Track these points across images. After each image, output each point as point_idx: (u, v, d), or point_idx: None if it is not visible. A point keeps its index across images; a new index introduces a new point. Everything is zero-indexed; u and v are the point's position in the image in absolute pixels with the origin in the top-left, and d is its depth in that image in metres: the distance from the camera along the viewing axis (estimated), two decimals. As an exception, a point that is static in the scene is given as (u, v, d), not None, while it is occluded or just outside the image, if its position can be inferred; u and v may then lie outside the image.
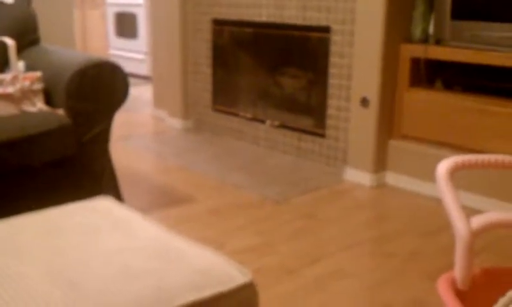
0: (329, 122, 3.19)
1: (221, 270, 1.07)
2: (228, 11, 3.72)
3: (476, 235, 1.26)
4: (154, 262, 1.06)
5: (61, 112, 2.18)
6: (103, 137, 2.30)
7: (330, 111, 3.18)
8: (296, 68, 3.52)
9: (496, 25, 2.60)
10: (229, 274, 1.07)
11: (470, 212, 2.53)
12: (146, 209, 2.62)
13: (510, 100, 2.61)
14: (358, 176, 3.03)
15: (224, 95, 3.95)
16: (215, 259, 1.11)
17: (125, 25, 6.59)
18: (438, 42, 2.80)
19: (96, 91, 2.20)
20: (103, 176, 2.30)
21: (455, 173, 1.30)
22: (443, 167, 1.29)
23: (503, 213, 1.33)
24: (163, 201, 2.74)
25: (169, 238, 1.20)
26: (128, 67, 6.48)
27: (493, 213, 1.31)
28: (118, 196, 2.36)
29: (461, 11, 2.71)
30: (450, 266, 1.32)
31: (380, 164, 3.00)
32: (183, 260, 1.08)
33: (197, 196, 2.82)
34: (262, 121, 3.66)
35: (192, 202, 2.73)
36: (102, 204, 1.39)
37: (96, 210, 1.34)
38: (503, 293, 1.21)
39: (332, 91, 3.15)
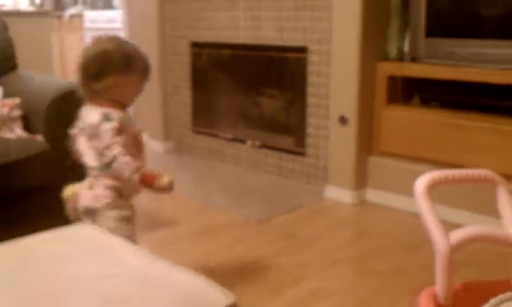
0: (309, 141, 3.21)
1: (204, 294, 1.07)
2: (206, 34, 3.74)
3: (455, 250, 1.27)
4: (136, 289, 1.06)
5: (40, 138, 2.17)
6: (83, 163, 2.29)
7: (310, 130, 3.20)
8: (275, 88, 3.54)
9: (470, 42, 2.65)
10: (212, 298, 1.07)
11: (448, 226, 2.55)
12: (127, 233, 2.60)
13: (486, 114, 2.65)
14: (339, 194, 3.05)
15: (205, 116, 3.96)
16: (198, 283, 1.11)
17: (104, 49, 6.57)
18: (414, 59, 2.84)
19: (75, 117, 2.19)
20: (83, 201, 2.28)
21: (433, 189, 1.32)
22: (421, 183, 1.31)
23: (481, 227, 1.35)
24: (145, 225, 2.73)
25: (151, 263, 1.19)
26: (107, 91, 6.46)
27: (472, 227, 1.33)
28: (99, 221, 2.34)
29: (435, 29, 2.76)
30: (432, 281, 1.33)
31: (360, 181, 3.02)
32: (165, 286, 1.08)
33: (179, 218, 2.81)
34: (243, 142, 3.67)
35: (175, 224, 2.72)
36: (83, 231, 1.39)
37: (76, 237, 1.33)
38: (483, 307, 1.22)
39: (311, 110, 3.17)
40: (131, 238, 1.76)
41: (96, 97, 1.81)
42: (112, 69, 1.79)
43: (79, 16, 6.85)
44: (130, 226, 1.88)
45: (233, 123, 3.81)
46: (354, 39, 2.86)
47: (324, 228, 2.68)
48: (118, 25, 6.19)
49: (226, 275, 2.20)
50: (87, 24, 6.76)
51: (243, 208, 2.94)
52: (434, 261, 1.30)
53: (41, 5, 7.09)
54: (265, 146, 3.54)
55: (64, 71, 6.92)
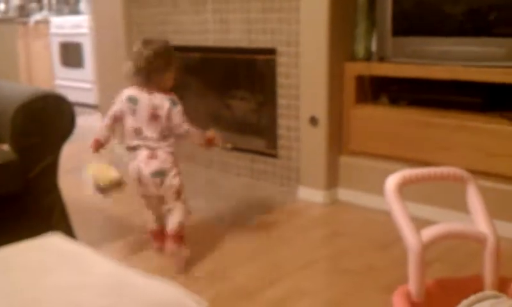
0: (281, 142, 3.22)
1: (176, 302, 1.06)
2: (174, 38, 3.71)
3: (427, 247, 1.28)
4: (107, 298, 1.04)
5: (6, 147, 2.13)
6: (51, 171, 2.25)
7: (281, 131, 3.20)
8: (245, 91, 3.54)
9: (436, 40, 2.68)
10: (184, 305, 1.05)
11: (420, 222, 2.58)
12: (99, 242, 2.57)
13: (452, 111, 2.69)
14: (312, 194, 3.06)
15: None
16: (170, 290, 1.10)
17: (71, 54, 6.50)
18: (381, 59, 2.87)
19: (41, 125, 2.15)
20: (53, 211, 2.25)
21: (403, 187, 1.33)
22: (391, 182, 1.32)
23: (452, 224, 1.37)
24: (117, 233, 2.70)
25: (122, 272, 1.17)
26: (75, 97, 6.37)
27: (442, 224, 1.34)
28: (69, 231, 2.30)
29: (402, 28, 2.79)
30: (405, 278, 1.34)
31: (332, 180, 3.03)
32: (137, 294, 1.06)
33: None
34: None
35: (146, 231, 2.69)
36: (52, 242, 1.36)
37: (45, 248, 1.31)
38: (457, 303, 1.23)
39: (281, 111, 3.17)
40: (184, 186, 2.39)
41: (154, 85, 2.32)
42: (174, 62, 2.37)
43: (45, 22, 6.75)
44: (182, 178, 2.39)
45: (205, 126, 3.78)
46: (322, 40, 2.87)
47: (297, 229, 2.69)
48: (85, 30, 6.13)
49: (199, 280, 2.18)
50: (53, 30, 6.67)
51: (216, 211, 2.93)
52: (406, 259, 1.31)
53: (6, 12, 6.98)
54: (237, 148, 3.53)
55: (30, 77, 6.82)
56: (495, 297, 1.18)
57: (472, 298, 1.18)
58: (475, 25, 2.58)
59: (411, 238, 1.28)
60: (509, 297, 1.31)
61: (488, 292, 1.20)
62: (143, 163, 2.33)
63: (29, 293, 1.08)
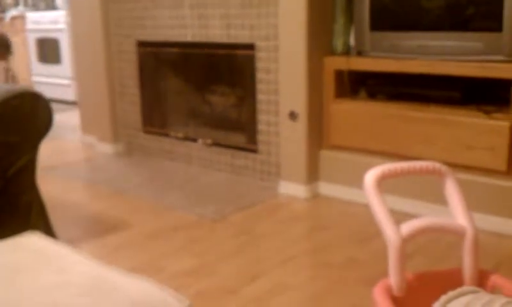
0: (261, 137, 3.22)
1: (156, 300, 1.05)
2: (153, 33, 3.70)
3: (407, 241, 1.29)
4: (86, 298, 1.03)
5: (-18, 146, 2.10)
6: (29, 169, 2.22)
7: (261, 127, 3.20)
8: (225, 86, 3.53)
9: (413, 34, 2.70)
10: (165, 303, 1.05)
11: (400, 216, 2.60)
12: (79, 240, 2.55)
13: (431, 105, 2.71)
14: (292, 189, 3.06)
15: (154, 116, 3.91)
16: (150, 288, 1.09)
17: (48, 50, 6.43)
18: (360, 53, 2.88)
19: (18, 122, 2.12)
20: (31, 210, 2.22)
21: (382, 182, 1.33)
22: (370, 177, 1.33)
23: (431, 219, 1.38)
24: (97, 230, 2.68)
25: (101, 270, 1.16)
26: (53, 93, 6.32)
27: (422, 219, 1.35)
28: (48, 229, 2.28)
29: (379, 23, 2.80)
30: (386, 271, 1.34)
31: (312, 175, 3.04)
32: (116, 293, 1.05)
33: (132, 221, 2.77)
34: (194, 140, 3.64)
35: (127, 228, 2.68)
36: (30, 241, 1.34)
37: (23, 247, 1.29)
38: (437, 296, 1.24)
39: (261, 106, 3.17)
40: None
41: None
42: None
43: (21, 17, 6.67)
44: None
45: (184, 122, 3.78)
46: (300, 34, 2.87)
47: (279, 224, 2.69)
48: (62, 26, 6.07)
49: (181, 277, 2.18)
50: (29, 26, 6.59)
51: (197, 207, 2.92)
52: (386, 252, 1.32)
53: (-19, 7, 6.88)
54: (216, 144, 3.52)
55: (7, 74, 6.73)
56: (473, 292, 1.20)
57: (450, 294, 1.19)
58: (452, 19, 2.60)
59: (391, 233, 1.28)
60: (488, 291, 1.32)
61: (465, 288, 1.21)
62: None
63: (7, 293, 1.06)
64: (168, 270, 2.24)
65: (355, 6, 2.87)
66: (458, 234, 1.36)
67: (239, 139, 3.42)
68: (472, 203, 2.47)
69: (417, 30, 2.69)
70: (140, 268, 2.24)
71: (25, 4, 7.13)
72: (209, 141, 3.56)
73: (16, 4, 7.15)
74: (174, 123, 3.82)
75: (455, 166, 2.53)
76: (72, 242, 2.50)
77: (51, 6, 6.97)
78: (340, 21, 2.96)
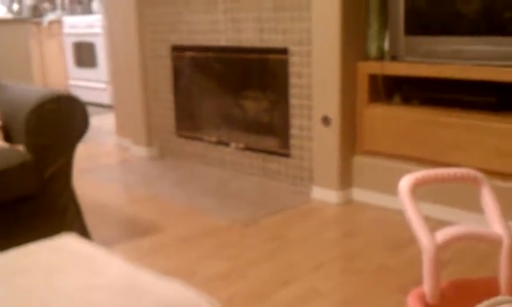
0: (293, 142, 3.22)
1: (189, 303, 1.06)
2: (187, 37, 3.73)
3: (441, 249, 1.28)
4: (120, 299, 1.05)
5: (21, 148, 2.15)
6: (65, 172, 2.27)
7: (293, 131, 3.20)
8: (258, 90, 3.54)
9: (448, 39, 2.67)
10: (197, 306, 1.06)
11: (435, 223, 2.57)
12: (113, 242, 2.59)
13: (466, 111, 2.67)
14: (325, 194, 3.05)
15: (188, 120, 3.94)
16: (183, 291, 1.10)
17: (84, 54, 6.54)
18: (394, 58, 2.86)
19: (55, 125, 2.17)
20: (67, 211, 2.26)
21: (416, 189, 1.32)
22: (405, 184, 1.31)
23: (466, 226, 1.35)
24: (131, 233, 2.71)
25: (135, 272, 1.18)
26: (89, 97, 6.42)
27: (457, 226, 1.33)
28: (83, 231, 2.32)
29: (414, 27, 2.77)
30: (420, 278, 1.33)
31: (345, 180, 3.02)
32: (150, 295, 1.07)
33: (165, 224, 2.79)
34: (227, 145, 3.66)
35: (161, 231, 2.71)
36: (66, 242, 1.37)
37: (59, 249, 1.32)
38: (472, 306, 1.22)
39: (294, 111, 3.17)
40: None
41: None
42: None
43: (58, 22, 6.80)
44: None
45: (217, 126, 3.80)
46: (334, 39, 2.86)
47: (311, 229, 2.69)
48: (98, 30, 6.17)
49: (212, 281, 2.19)
50: (66, 30, 6.71)
51: (229, 211, 2.93)
52: (421, 259, 1.31)
53: (19, 12, 7.04)
54: (249, 148, 3.53)
55: (44, 77, 6.88)
56: (509, 301, 1.17)
57: (486, 303, 1.17)
58: (488, 24, 2.56)
59: (425, 240, 1.27)
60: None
61: (501, 297, 1.19)
62: None
63: (43, 294, 1.08)
64: (200, 274, 2.25)
65: (389, 10, 2.85)
66: (494, 242, 1.33)
67: (272, 143, 3.42)
68: (508, 211, 2.43)
69: (452, 34, 2.66)
70: (172, 272, 2.26)
71: (63, 9, 7.26)
72: (242, 145, 3.58)
73: (53, 8, 7.30)
74: (207, 127, 3.84)
75: (490, 173, 2.48)
76: (106, 243, 2.54)
77: (87, 10, 7.09)
78: (374, 26, 2.94)
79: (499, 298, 1.18)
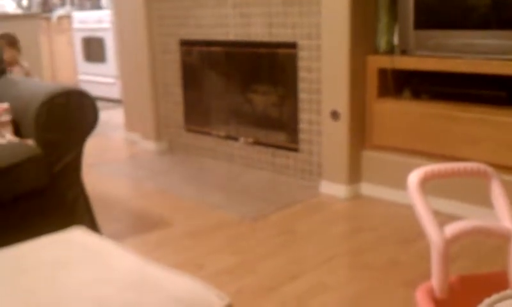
0: (302, 136, 3.21)
1: (198, 297, 1.06)
2: (196, 31, 3.73)
3: (450, 243, 1.27)
4: (130, 293, 1.05)
5: (30, 142, 2.16)
6: (75, 166, 2.28)
7: (302, 125, 3.20)
8: (266, 85, 3.54)
9: (458, 33, 2.65)
10: (207, 300, 1.06)
11: (444, 218, 2.56)
12: (122, 236, 2.60)
13: (476, 105, 2.66)
14: (334, 189, 3.05)
15: (197, 115, 3.95)
16: (192, 285, 1.11)
17: (93, 49, 6.56)
18: (404, 52, 2.84)
19: (65, 120, 2.18)
20: (76, 205, 2.28)
21: (426, 183, 1.32)
22: (414, 178, 1.31)
23: (475, 221, 1.35)
24: (140, 227, 2.72)
25: (145, 266, 1.18)
26: (98, 91, 6.44)
27: (466, 221, 1.33)
28: (93, 224, 2.33)
29: (424, 21, 2.76)
30: (428, 273, 1.33)
31: (354, 175, 3.02)
32: (160, 289, 1.07)
33: (174, 218, 2.80)
34: (236, 139, 3.66)
35: (170, 225, 2.72)
36: (75, 236, 1.38)
37: (69, 242, 1.33)
38: (480, 300, 1.22)
39: (303, 105, 3.17)
40: None
41: None
42: None
43: (67, 17, 6.82)
44: None
45: (226, 120, 3.80)
46: (343, 33, 2.85)
47: (320, 224, 2.68)
48: (107, 25, 6.18)
49: (221, 275, 2.20)
50: (75, 25, 6.74)
51: (238, 206, 2.93)
52: (429, 254, 1.30)
53: (29, 7, 7.06)
54: (258, 142, 3.53)
55: (54, 72, 6.90)
56: (519, 294, 1.17)
57: (494, 296, 1.17)
58: (499, 17, 2.54)
59: (434, 235, 1.27)
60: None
61: (510, 291, 1.19)
62: None
63: (52, 288, 1.09)
64: (209, 268, 2.26)
65: (399, 4, 2.84)
66: (503, 237, 1.33)
67: (281, 137, 3.42)
68: (519, 206, 2.41)
69: (463, 28, 2.64)
70: (181, 266, 2.27)
71: (72, 4, 7.28)
72: (251, 140, 3.58)
73: (62, 3, 7.32)
74: (216, 122, 3.84)
75: (500, 167, 2.47)
76: (115, 237, 2.55)
77: (96, 5, 7.11)
78: (383, 19, 2.93)
79: (508, 291, 1.18)
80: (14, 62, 3.67)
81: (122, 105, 4.73)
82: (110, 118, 5.50)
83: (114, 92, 6.30)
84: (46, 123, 2.13)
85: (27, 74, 3.73)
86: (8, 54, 3.58)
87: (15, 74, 3.61)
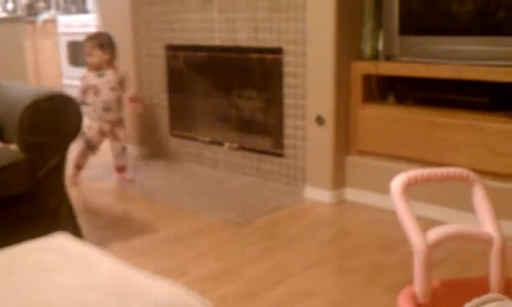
0: (287, 142, 3.22)
1: (181, 303, 1.06)
2: (181, 36, 3.72)
3: (433, 248, 1.28)
4: (112, 299, 1.05)
5: (14, 147, 2.14)
6: (58, 171, 2.26)
7: (287, 131, 3.20)
8: (252, 90, 3.54)
9: (443, 39, 2.68)
10: (189, 305, 1.06)
11: (427, 223, 2.57)
12: (106, 241, 2.58)
13: (459, 111, 2.68)
14: (318, 194, 3.05)
15: (182, 120, 3.94)
16: (175, 291, 1.10)
17: (78, 53, 6.51)
18: (388, 58, 2.86)
19: (49, 124, 2.16)
20: (60, 210, 2.26)
21: (409, 188, 1.32)
22: (397, 183, 1.31)
23: (458, 226, 1.36)
24: (124, 232, 2.71)
25: (127, 272, 1.18)
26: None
27: (449, 226, 1.34)
28: (76, 230, 2.31)
29: (409, 27, 2.78)
30: (412, 278, 1.33)
31: (339, 180, 3.03)
32: (142, 295, 1.07)
33: (158, 224, 2.79)
34: (221, 144, 3.66)
35: (153, 231, 2.70)
36: (58, 241, 1.37)
37: (51, 248, 1.31)
38: (462, 304, 1.23)
39: (288, 111, 3.17)
40: None
41: None
42: None
43: (53, 21, 6.77)
44: None
45: (211, 125, 3.80)
46: (329, 39, 2.87)
47: (304, 229, 2.69)
48: (92, 29, 6.14)
49: (205, 280, 2.19)
50: (61, 29, 6.69)
51: (222, 211, 2.93)
52: (412, 259, 1.31)
53: (14, 11, 7.01)
54: (243, 148, 3.53)
55: (38, 76, 6.85)
56: (499, 299, 1.18)
57: (475, 301, 1.18)
58: (483, 24, 2.57)
59: (417, 240, 1.27)
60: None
61: (490, 295, 1.20)
62: None
63: (35, 294, 1.08)
64: (193, 273, 2.25)
65: (384, 10, 2.86)
66: (485, 242, 1.34)
67: (266, 143, 3.42)
68: (500, 211, 2.43)
69: (447, 34, 2.67)
70: (165, 272, 2.26)
71: (57, 8, 7.24)
72: (236, 145, 3.58)
73: (48, 7, 7.28)
74: (201, 127, 3.84)
75: (483, 173, 2.49)
76: (98, 243, 2.53)
77: (82, 9, 7.07)
78: (368, 25, 2.94)
79: (489, 296, 1.19)
80: (104, 65, 3.49)
81: (107, 109, 4.70)
82: (95, 123, 5.45)
83: (100, 96, 6.25)
84: (30, 127, 2.11)
85: (122, 80, 3.54)
86: (95, 58, 3.47)
87: (108, 78, 3.47)
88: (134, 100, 3.64)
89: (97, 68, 3.48)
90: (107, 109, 3.45)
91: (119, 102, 3.51)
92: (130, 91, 3.64)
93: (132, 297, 1.06)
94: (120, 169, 3.54)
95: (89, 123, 3.45)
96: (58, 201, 2.27)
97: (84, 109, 3.22)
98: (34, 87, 2.29)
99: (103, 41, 3.53)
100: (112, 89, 3.47)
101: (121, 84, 3.52)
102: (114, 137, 3.51)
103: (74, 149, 3.28)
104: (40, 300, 1.05)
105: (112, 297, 1.06)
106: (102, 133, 3.49)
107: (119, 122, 3.53)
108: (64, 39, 6.67)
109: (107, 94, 3.45)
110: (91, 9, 6.81)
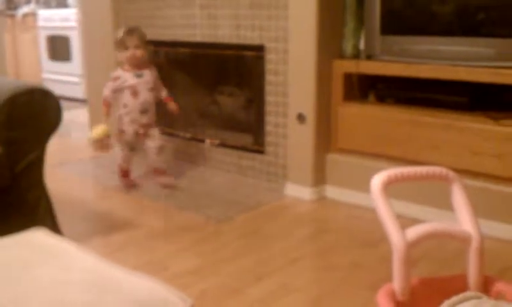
0: (268, 139, 3.22)
1: (160, 298, 1.05)
2: (163, 32, 3.70)
3: (412, 246, 1.29)
4: (90, 295, 1.04)
5: (-9, 142, 2.11)
6: (37, 166, 2.23)
7: (269, 128, 3.20)
8: (233, 87, 3.54)
9: (424, 39, 2.70)
10: (168, 302, 1.05)
11: (407, 221, 2.59)
12: (85, 237, 2.56)
13: (439, 110, 2.70)
14: (299, 191, 3.06)
15: (163, 116, 3.91)
16: (154, 287, 1.10)
17: (58, 48, 6.45)
18: (369, 57, 2.88)
19: (27, 119, 2.13)
20: (38, 206, 2.23)
21: (389, 186, 1.33)
22: (377, 181, 1.32)
23: (436, 224, 1.37)
24: (103, 228, 2.69)
25: (106, 268, 1.17)
26: (63, 90, 6.34)
27: (427, 224, 1.35)
28: (55, 226, 2.29)
29: (390, 27, 2.80)
30: (391, 275, 1.34)
31: (319, 178, 3.04)
32: (120, 291, 1.06)
33: (138, 219, 2.77)
34: (202, 141, 3.65)
35: (133, 226, 2.69)
36: (36, 237, 1.35)
37: (29, 243, 1.30)
38: (440, 302, 1.24)
39: (269, 108, 3.17)
40: None
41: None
42: None
43: (32, 15, 6.70)
44: None
45: (192, 122, 3.78)
46: (310, 37, 2.87)
47: (284, 226, 2.69)
48: (73, 23, 6.09)
49: (185, 276, 2.18)
50: (41, 23, 6.62)
51: (203, 207, 2.92)
52: (391, 257, 1.32)
53: (-7, 4, 6.92)
54: (224, 144, 3.53)
55: (18, 71, 6.78)
56: (477, 297, 1.19)
57: (454, 299, 1.19)
58: (463, 24, 2.59)
59: (396, 237, 1.28)
60: (492, 297, 1.32)
61: (469, 293, 1.21)
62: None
63: (12, 289, 1.07)
64: (172, 269, 2.24)
65: (366, 9, 2.87)
66: (463, 240, 1.35)
67: (247, 140, 3.42)
68: (479, 209, 2.46)
69: (428, 35, 2.69)
70: (144, 267, 2.25)
71: (37, 2, 7.16)
72: (217, 142, 3.57)
73: (27, 1, 7.19)
74: (182, 123, 3.82)
75: (462, 172, 2.51)
76: (77, 239, 2.50)
77: (62, 3, 7.00)
78: (350, 24, 2.95)
79: (467, 293, 1.20)
80: (142, 64, 3.23)
81: (87, 104, 4.66)
82: (74, 118, 5.41)
83: (79, 91, 6.20)
84: (8, 121, 2.08)
85: (158, 79, 3.32)
86: (139, 53, 3.18)
87: (146, 78, 3.22)
88: (170, 99, 3.36)
89: (137, 67, 3.22)
90: (144, 111, 3.22)
91: (154, 103, 3.30)
92: (164, 90, 3.36)
93: (110, 293, 1.05)
94: (159, 172, 3.30)
95: (121, 127, 3.27)
96: (37, 196, 2.24)
97: (112, 112, 3.27)
98: (12, 81, 2.26)
99: (144, 37, 3.27)
100: (151, 89, 3.24)
101: (157, 84, 3.31)
102: (150, 138, 3.26)
103: (116, 156, 3.27)
104: (16, 295, 1.04)
105: (90, 292, 1.05)
106: (138, 136, 3.26)
107: (154, 124, 3.31)
108: (44, 33, 6.60)
109: (145, 96, 3.21)
110: (72, 4, 6.75)
